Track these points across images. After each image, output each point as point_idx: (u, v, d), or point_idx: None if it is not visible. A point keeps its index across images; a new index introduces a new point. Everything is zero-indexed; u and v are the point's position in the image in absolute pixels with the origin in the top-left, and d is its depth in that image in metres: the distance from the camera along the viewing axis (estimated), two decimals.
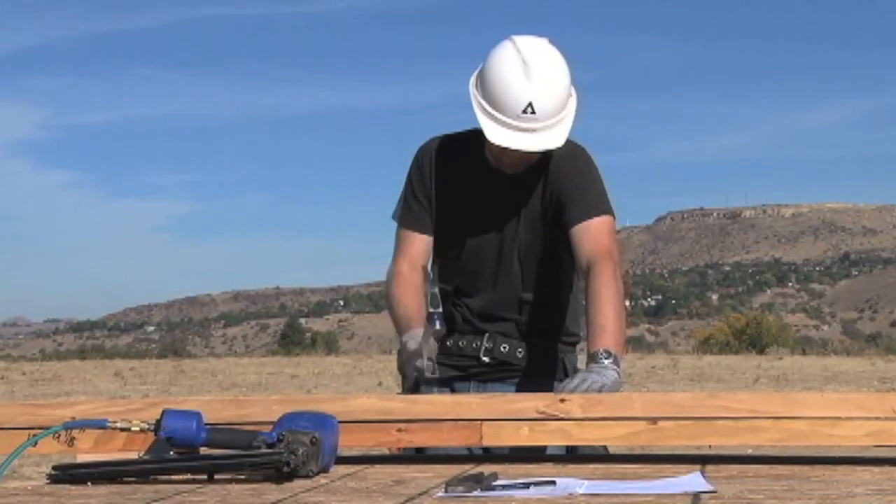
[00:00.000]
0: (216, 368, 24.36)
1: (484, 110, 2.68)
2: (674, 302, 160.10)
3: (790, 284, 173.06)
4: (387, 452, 2.63)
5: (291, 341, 56.88)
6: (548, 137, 2.68)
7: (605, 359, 2.52)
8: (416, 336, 2.67)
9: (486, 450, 2.57)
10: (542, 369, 2.83)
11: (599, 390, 2.42)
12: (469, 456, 2.51)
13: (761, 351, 32.51)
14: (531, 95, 2.64)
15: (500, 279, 2.84)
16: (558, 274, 2.87)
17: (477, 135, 2.79)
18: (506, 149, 2.69)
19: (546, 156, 2.76)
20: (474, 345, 2.86)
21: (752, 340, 36.28)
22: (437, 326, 2.72)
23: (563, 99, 2.69)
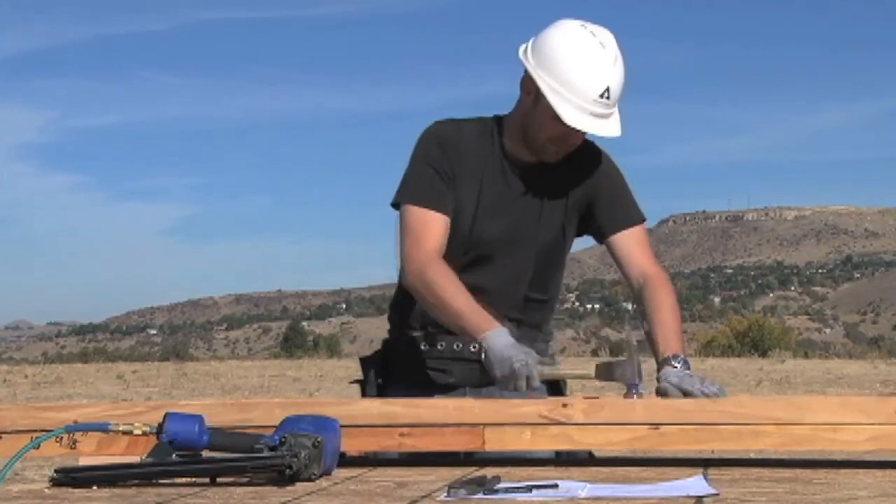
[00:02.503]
0: (218, 371, 24.32)
1: (556, 92, 2.56)
2: None
3: (792, 287, 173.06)
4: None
5: (294, 344, 56.83)
6: (615, 123, 2.63)
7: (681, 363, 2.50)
8: (505, 334, 2.49)
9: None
10: None
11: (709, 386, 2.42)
12: (471, 459, 2.50)
13: (763, 354, 32.45)
14: (610, 80, 2.57)
15: (510, 276, 2.73)
16: (561, 274, 2.83)
17: (490, 123, 2.73)
18: (562, 136, 2.62)
19: (573, 151, 2.70)
20: (472, 347, 2.67)
21: (755, 343, 36.22)
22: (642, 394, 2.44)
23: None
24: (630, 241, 2.74)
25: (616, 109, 2.63)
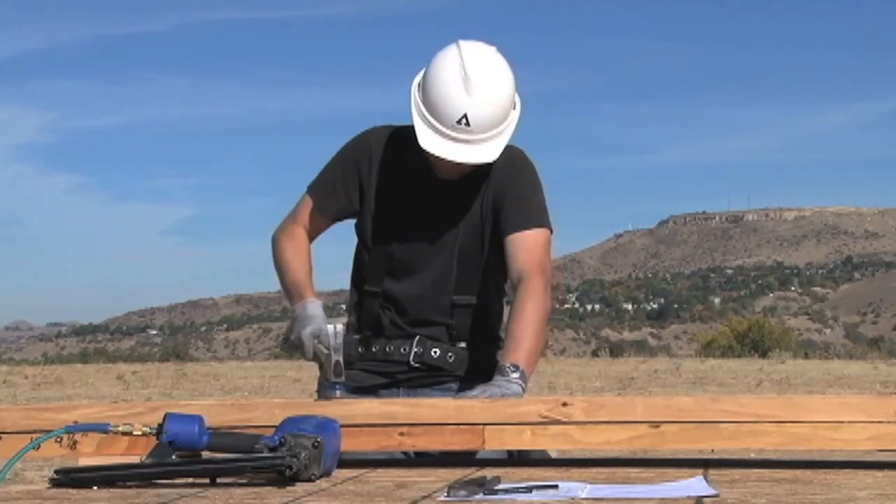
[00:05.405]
0: (218, 372, 24.32)
1: (420, 114, 2.65)
2: (676, 305, 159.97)
3: (792, 288, 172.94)
4: None
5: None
6: (482, 150, 2.65)
7: (513, 372, 2.53)
8: (311, 306, 2.71)
9: (418, 454, 2.55)
10: (474, 374, 2.76)
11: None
12: (471, 460, 2.50)
13: (764, 355, 32.41)
14: (467, 107, 2.60)
15: (434, 282, 2.80)
16: (492, 279, 2.85)
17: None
18: (434, 157, 2.66)
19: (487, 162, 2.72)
20: (402, 349, 2.81)
21: (755, 344, 36.18)
22: (338, 395, 2.60)
23: (501, 113, 2.65)
24: (518, 244, 2.74)
25: (489, 135, 2.64)
